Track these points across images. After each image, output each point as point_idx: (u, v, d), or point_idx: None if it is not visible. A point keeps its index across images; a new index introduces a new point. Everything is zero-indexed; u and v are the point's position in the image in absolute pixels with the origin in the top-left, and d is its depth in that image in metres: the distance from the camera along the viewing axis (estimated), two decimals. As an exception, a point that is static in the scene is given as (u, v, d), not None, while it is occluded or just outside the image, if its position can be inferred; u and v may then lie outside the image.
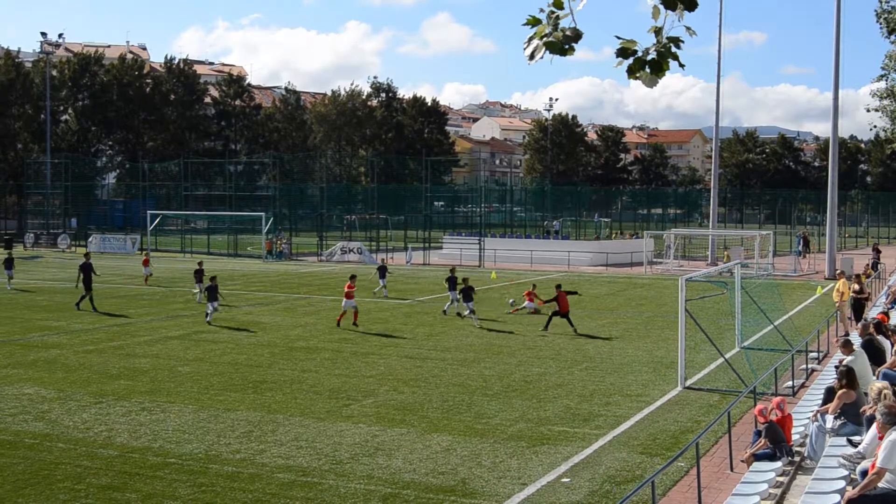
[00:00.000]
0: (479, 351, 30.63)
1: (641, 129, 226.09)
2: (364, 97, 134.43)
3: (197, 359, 28.88)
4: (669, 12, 5.98)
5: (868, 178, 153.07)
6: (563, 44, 5.99)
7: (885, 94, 45.15)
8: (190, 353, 30.03)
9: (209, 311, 36.09)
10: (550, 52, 6.04)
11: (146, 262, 54.39)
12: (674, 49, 6.10)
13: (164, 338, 33.01)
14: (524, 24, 6.05)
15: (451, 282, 39.01)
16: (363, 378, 26.23)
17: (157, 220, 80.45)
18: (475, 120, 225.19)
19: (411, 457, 18.36)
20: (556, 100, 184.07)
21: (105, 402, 22.78)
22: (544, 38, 5.98)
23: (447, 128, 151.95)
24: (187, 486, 16.45)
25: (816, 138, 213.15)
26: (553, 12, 6.00)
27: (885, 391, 13.49)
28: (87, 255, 43.71)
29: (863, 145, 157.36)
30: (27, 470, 17.29)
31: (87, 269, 40.23)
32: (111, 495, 15.88)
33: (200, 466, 17.61)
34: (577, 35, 5.99)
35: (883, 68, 46.08)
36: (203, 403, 22.84)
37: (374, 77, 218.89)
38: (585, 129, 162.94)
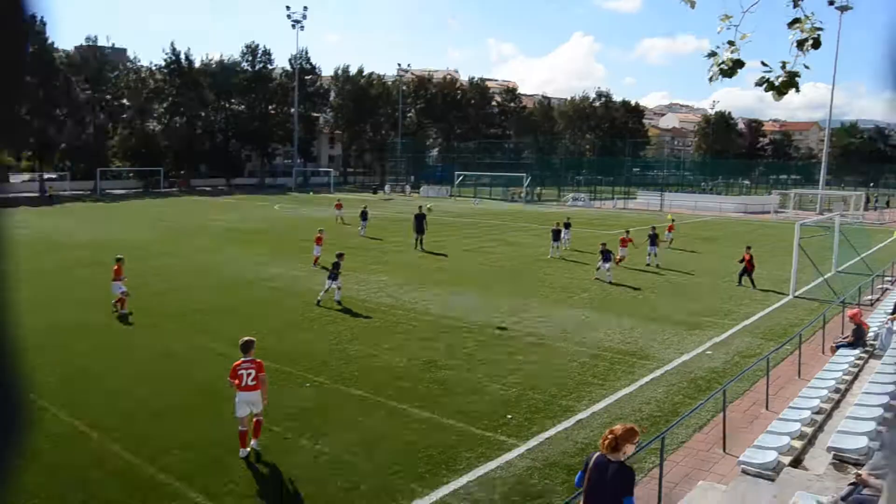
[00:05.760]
0: (659, 272, 29.76)
1: (775, 120, 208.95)
2: (590, 101, 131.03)
3: (481, 263, 29.44)
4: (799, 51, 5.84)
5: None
6: (731, 70, 5.89)
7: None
8: (477, 259, 30.62)
9: (328, 289, 20.79)
10: (723, 77, 5.91)
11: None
12: (796, 79, 5.88)
13: (463, 251, 33.74)
14: (706, 56, 6.04)
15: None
16: (582, 280, 26.07)
17: (461, 178, 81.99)
18: (662, 115, 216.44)
19: (609, 332, 18.22)
20: (718, 101, 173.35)
21: (426, 288, 23.71)
22: (720, 65, 5.89)
23: (644, 120, 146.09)
24: (472, 341, 16.94)
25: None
26: (729, 48, 5.87)
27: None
28: (421, 207, 35.81)
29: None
30: (381, 325, 18.36)
31: (420, 219, 33.45)
32: (427, 343, 16.63)
33: (479, 329, 18.11)
34: (741, 64, 5.91)
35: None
36: (483, 291, 23.34)
37: (598, 87, 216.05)
38: (736, 121, 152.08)
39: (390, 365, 14.85)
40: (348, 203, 57.59)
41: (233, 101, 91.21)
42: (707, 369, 15.12)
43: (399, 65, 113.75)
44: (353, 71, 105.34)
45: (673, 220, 40.50)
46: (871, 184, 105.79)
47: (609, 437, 6.51)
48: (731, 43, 5.82)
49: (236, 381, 10.22)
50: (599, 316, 20.08)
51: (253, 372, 10.27)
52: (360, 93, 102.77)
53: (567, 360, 15.57)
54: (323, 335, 17.17)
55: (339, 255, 21.80)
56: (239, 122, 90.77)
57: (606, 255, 25.99)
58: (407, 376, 14.10)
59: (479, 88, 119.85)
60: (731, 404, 11.83)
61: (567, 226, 34.83)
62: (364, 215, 39.17)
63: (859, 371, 13.59)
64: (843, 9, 63.33)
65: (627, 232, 32.10)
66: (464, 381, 13.92)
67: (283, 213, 53.07)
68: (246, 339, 10.56)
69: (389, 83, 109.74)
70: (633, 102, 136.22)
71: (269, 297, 21.75)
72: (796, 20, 5.81)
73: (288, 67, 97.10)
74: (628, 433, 6.48)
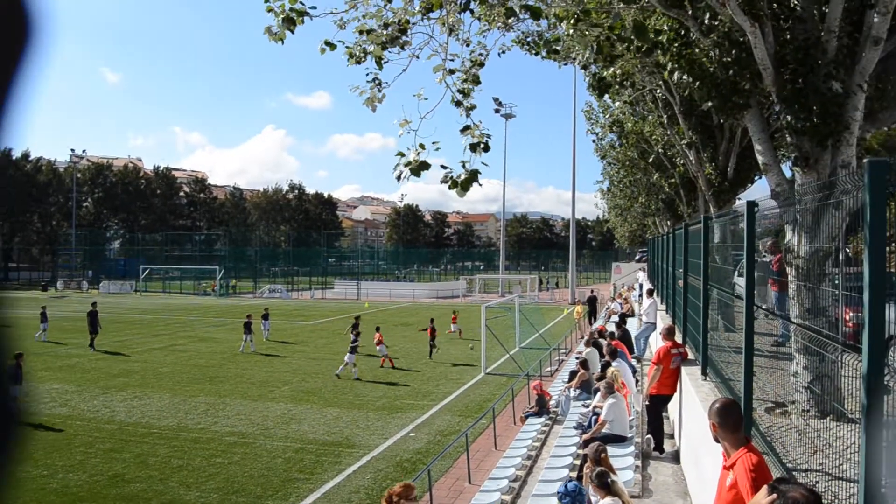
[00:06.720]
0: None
1: (458, 213, 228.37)
2: (283, 192, 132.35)
3: (173, 362, 27.70)
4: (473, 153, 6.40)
5: (593, 243, 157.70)
6: (419, 170, 6.23)
7: (604, 194, 47.39)
8: (168, 359, 28.78)
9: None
10: (412, 175, 6.25)
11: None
12: (477, 176, 6.44)
13: (151, 349, 31.56)
14: (396, 155, 6.31)
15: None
16: (282, 373, 25.63)
17: (146, 272, 77.27)
18: (355, 207, 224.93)
19: (313, 423, 18.00)
20: (406, 195, 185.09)
21: (109, 393, 21.67)
22: (409, 165, 6.21)
23: (337, 212, 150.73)
24: (164, 447, 15.73)
25: (563, 218, 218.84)
26: (416, 151, 6.26)
27: (615, 371, 13.86)
28: (94, 304, 33.42)
29: (590, 223, 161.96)
30: (56, 440, 16.25)
31: (93, 316, 31.45)
32: (112, 455, 15.06)
33: (173, 434, 16.87)
34: (426, 165, 6.27)
35: (601, 179, 48.24)
36: (176, 392, 21.91)
37: (291, 179, 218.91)
38: (423, 213, 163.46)
39: (67, 485, 13.13)
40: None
41: None
42: (412, 451, 15.53)
43: (72, 150, 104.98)
44: (16, 154, 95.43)
45: (455, 312, 41.78)
46: (542, 267, 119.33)
47: (388, 496, 7.20)
48: (422, 146, 6.32)
49: None
50: (302, 407, 19.79)
51: None
52: (25, 179, 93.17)
53: (271, 457, 15.02)
54: (-22, 459, 14.72)
55: (18, 356, 19.10)
56: None
57: (354, 342, 26.09)
58: (89, 497, 12.56)
59: (165, 178, 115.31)
60: (437, 482, 12.23)
61: (265, 317, 34.24)
62: (44, 316, 34.84)
63: (546, 437, 14.90)
64: (507, 116, 72.70)
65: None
66: (157, 493, 12.74)
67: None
68: None
69: (62, 170, 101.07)
70: (326, 195, 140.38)
71: None
72: (467, 127, 6.56)
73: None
74: (406, 489, 7.18)
